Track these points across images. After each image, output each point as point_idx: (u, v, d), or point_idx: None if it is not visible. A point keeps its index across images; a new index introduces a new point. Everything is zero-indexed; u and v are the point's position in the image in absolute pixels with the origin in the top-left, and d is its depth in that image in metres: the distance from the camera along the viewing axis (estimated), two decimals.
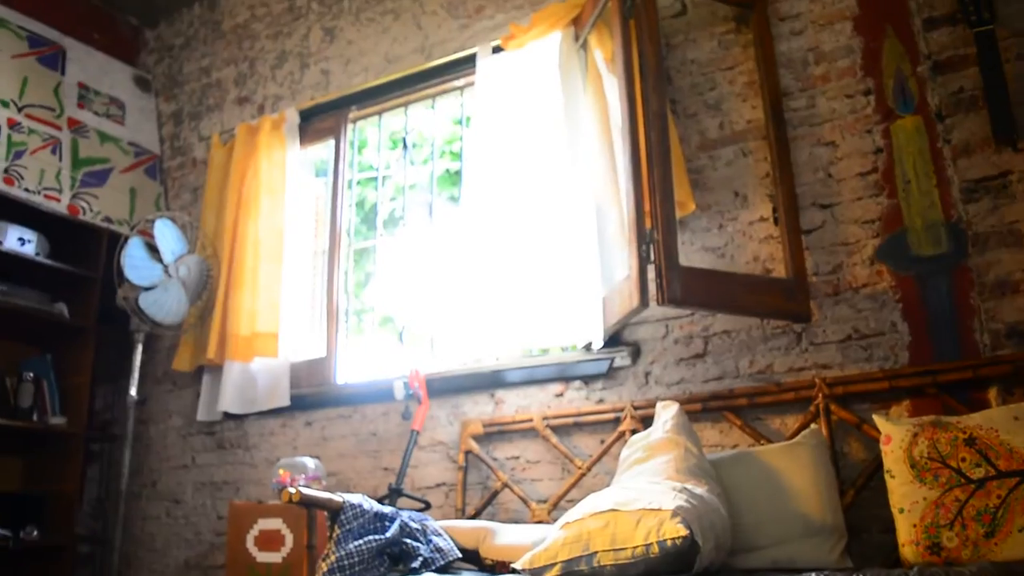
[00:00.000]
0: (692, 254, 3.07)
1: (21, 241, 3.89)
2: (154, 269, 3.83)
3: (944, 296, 2.64)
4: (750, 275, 2.90)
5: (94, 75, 4.66)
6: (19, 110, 4.19)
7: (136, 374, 3.94)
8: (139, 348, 3.95)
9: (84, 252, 4.15)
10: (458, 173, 3.93)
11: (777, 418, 2.79)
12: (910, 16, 2.89)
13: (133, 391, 3.91)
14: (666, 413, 2.54)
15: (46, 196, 4.13)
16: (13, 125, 4.13)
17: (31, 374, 3.94)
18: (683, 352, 3.03)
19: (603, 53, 3.17)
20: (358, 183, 4.22)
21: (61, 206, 4.17)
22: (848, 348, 2.76)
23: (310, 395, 3.77)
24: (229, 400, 3.78)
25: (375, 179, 4.20)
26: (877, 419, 2.27)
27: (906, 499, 2.09)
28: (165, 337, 4.31)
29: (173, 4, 4.98)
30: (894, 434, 2.18)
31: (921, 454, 2.10)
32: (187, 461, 4.13)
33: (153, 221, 3.90)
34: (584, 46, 3.36)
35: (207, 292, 4.01)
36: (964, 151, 2.69)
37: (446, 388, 3.42)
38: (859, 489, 2.53)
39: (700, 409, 2.85)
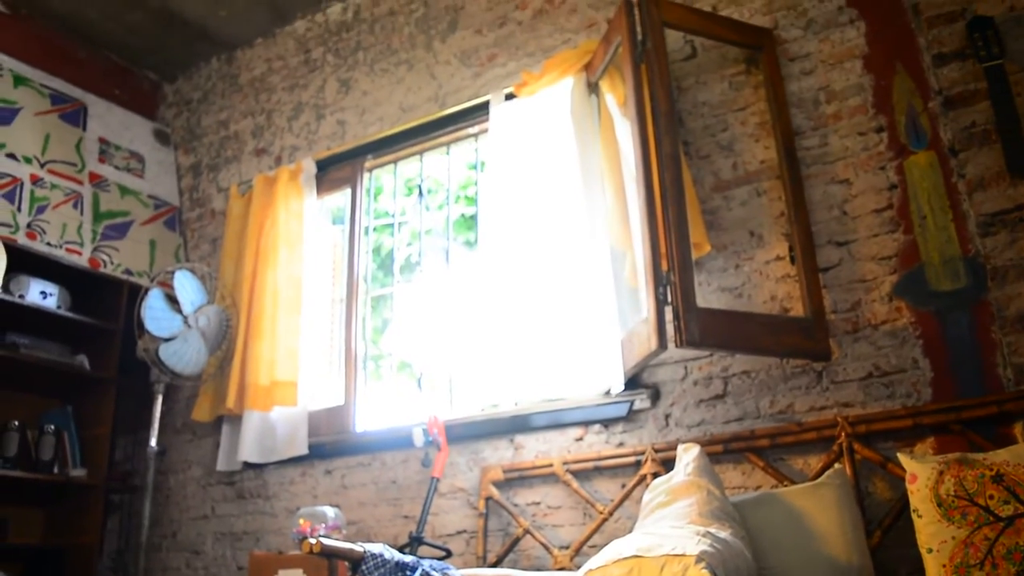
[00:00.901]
0: (709, 295, 3.06)
1: (43, 295, 3.94)
2: (174, 320, 3.86)
3: (965, 331, 2.62)
4: (768, 315, 2.89)
5: (115, 130, 4.75)
6: (42, 166, 4.27)
7: (156, 425, 3.95)
8: (159, 399, 3.97)
9: (105, 304, 4.19)
10: (473, 217, 3.96)
11: (800, 458, 2.76)
12: (919, 53, 2.91)
13: (153, 442, 3.92)
14: (687, 456, 2.51)
15: (68, 250, 4.18)
16: (36, 181, 4.21)
17: (52, 426, 3.96)
18: (703, 393, 3.01)
19: (615, 97, 3.20)
20: (374, 230, 4.26)
21: (82, 259, 4.22)
22: (870, 386, 2.74)
23: (329, 443, 3.76)
24: (248, 450, 3.78)
25: (391, 225, 4.23)
26: (902, 457, 2.24)
27: (934, 539, 2.05)
28: (185, 387, 4.32)
29: (191, 59, 5.09)
30: (919, 472, 2.15)
31: (948, 492, 2.07)
32: (207, 511, 4.12)
33: (173, 272, 3.94)
34: (596, 91, 3.40)
35: (226, 342, 4.03)
36: (979, 185, 2.69)
37: (465, 434, 3.41)
38: (886, 529, 2.49)
39: (722, 451, 2.82)
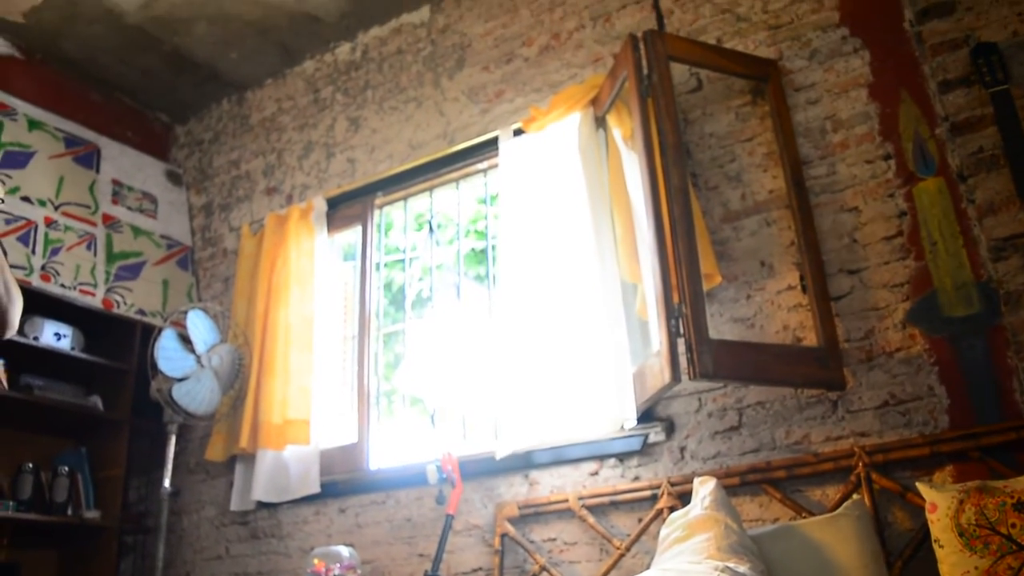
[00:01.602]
0: (721, 325, 3.05)
1: (57, 336, 3.96)
2: (187, 360, 3.87)
3: (980, 357, 2.61)
4: (781, 345, 2.88)
5: (127, 171, 4.80)
6: (56, 208, 4.32)
7: (169, 465, 3.94)
8: (172, 439, 3.96)
9: (118, 345, 4.21)
10: (484, 252, 3.97)
11: (817, 489, 2.74)
12: (924, 80, 2.93)
13: (167, 482, 3.91)
14: (704, 489, 2.49)
15: (81, 291, 4.21)
16: (50, 223, 4.25)
17: (66, 468, 3.96)
18: (718, 425, 2.99)
19: (622, 131, 3.22)
20: (385, 265, 4.28)
21: (96, 300, 4.25)
22: (886, 414, 2.72)
23: (343, 481, 3.75)
24: (262, 489, 3.77)
25: (402, 261, 4.25)
26: (921, 486, 2.22)
27: (957, 569, 2.02)
28: (198, 427, 4.32)
29: (202, 100, 5.15)
30: (939, 501, 2.13)
31: (969, 521, 2.04)
32: (221, 552, 4.09)
33: (185, 312, 3.96)
34: (603, 125, 3.42)
35: (239, 381, 4.04)
36: (989, 210, 2.68)
37: (479, 470, 3.39)
38: (907, 560, 2.46)
39: (738, 483, 2.80)
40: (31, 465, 3.84)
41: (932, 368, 2.67)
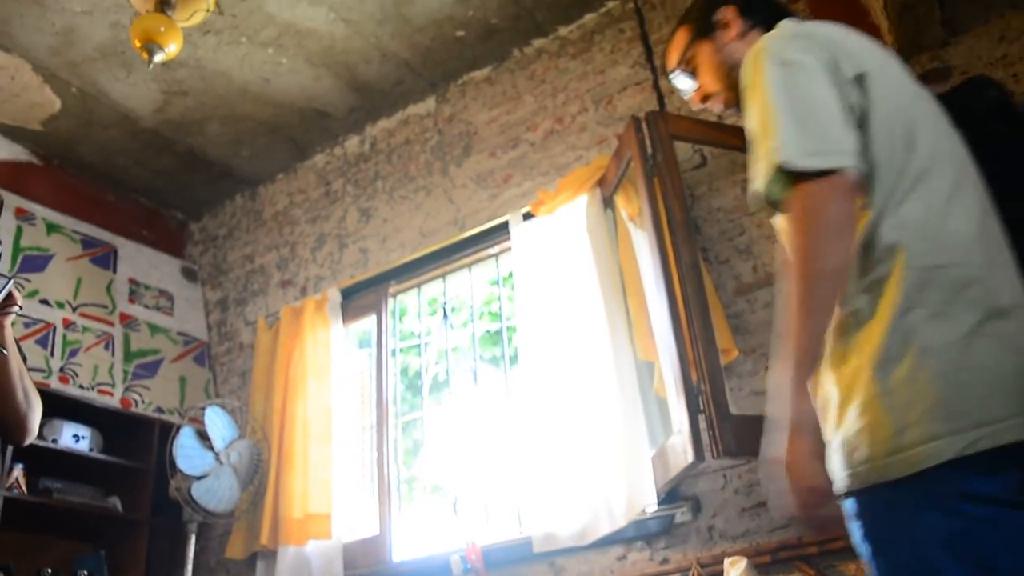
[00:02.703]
0: (742, 400, 3.03)
1: (76, 438, 3.96)
2: (205, 457, 3.85)
3: None
4: None
5: (144, 270, 4.87)
6: (74, 310, 4.37)
7: (190, 565, 3.88)
8: (192, 539, 3.91)
9: (136, 444, 4.20)
10: (499, 333, 3.98)
11: (852, 563, 2.66)
12: None
13: None
14: (735, 570, 2.44)
15: (100, 391, 4.23)
16: (68, 325, 4.30)
17: (85, 572, 3.89)
18: (745, 502, 2.94)
19: (629, 211, 3.26)
20: (401, 351, 4.28)
21: (114, 400, 4.26)
22: None
23: None
24: None
25: (418, 346, 4.26)
26: None
27: None
28: (218, 525, 4.27)
29: (216, 197, 5.25)
30: None
31: None
32: None
33: (203, 408, 3.95)
34: (611, 205, 3.46)
35: (258, 476, 4.01)
36: None
37: (504, 559, 3.32)
38: None
39: (769, 561, 2.73)
40: (50, 571, 3.78)
41: None
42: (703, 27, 1.78)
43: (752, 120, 1.42)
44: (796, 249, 1.31)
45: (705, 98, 1.81)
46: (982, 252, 1.30)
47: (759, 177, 1.37)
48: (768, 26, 1.61)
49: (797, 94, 1.36)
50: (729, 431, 2.53)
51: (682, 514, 3.00)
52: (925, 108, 1.46)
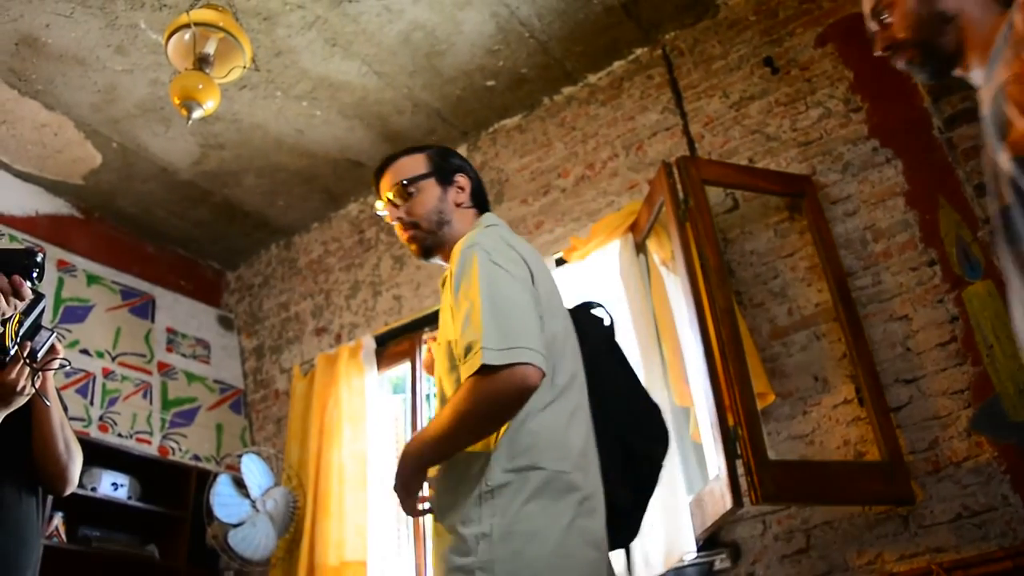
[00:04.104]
0: (780, 444, 2.99)
1: (114, 486, 4.00)
2: (242, 505, 3.87)
3: None
4: (843, 462, 2.81)
5: (181, 319, 4.95)
6: (113, 359, 4.44)
7: None
8: None
9: (174, 491, 4.23)
10: None
11: None
12: (960, 184, 2.94)
13: None
14: None
15: (138, 439, 4.28)
16: (108, 374, 4.37)
17: None
18: (785, 548, 2.89)
19: (661, 256, 3.27)
20: (435, 396, 4.28)
21: (152, 448, 4.31)
22: (961, 528, 2.61)
23: None
24: None
25: None
26: None
27: None
28: (254, 572, 4.27)
29: (252, 247, 5.33)
30: None
31: None
32: None
33: (240, 456, 3.98)
34: (643, 250, 3.46)
35: (294, 524, 4.01)
36: None
37: None
38: None
39: None
40: None
41: (1004, 476, 2.58)
42: (443, 173, 1.92)
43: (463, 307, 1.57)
44: (459, 405, 1.49)
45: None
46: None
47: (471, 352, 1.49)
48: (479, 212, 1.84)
49: (502, 294, 1.53)
50: (767, 477, 2.50)
51: (721, 561, 2.96)
52: (570, 330, 1.70)
